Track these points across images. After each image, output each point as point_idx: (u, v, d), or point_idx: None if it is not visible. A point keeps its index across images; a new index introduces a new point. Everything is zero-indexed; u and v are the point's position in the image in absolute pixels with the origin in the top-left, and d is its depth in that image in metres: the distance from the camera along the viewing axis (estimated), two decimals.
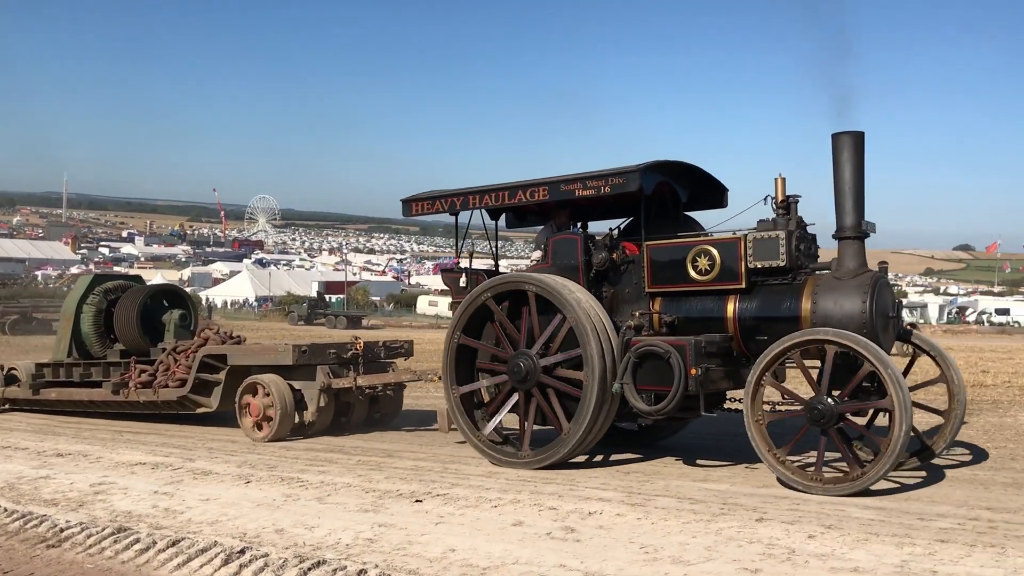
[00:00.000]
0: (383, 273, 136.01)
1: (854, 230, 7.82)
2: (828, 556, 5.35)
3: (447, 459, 9.03)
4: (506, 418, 8.90)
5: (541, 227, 9.99)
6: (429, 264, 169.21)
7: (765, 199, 8.18)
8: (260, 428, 10.45)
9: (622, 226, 9.54)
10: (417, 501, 7.08)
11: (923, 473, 7.90)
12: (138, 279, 15.38)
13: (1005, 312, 67.61)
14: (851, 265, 7.79)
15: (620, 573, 5.11)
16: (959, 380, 8.14)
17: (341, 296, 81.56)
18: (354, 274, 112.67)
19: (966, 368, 19.04)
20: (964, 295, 59.02)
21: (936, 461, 8.27)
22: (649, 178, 8.32)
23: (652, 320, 8.35)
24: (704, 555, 5.42)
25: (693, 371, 7.67)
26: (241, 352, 11.23)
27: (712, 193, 9.63)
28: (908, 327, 8.47)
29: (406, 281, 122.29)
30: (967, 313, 69.46)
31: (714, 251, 8.05)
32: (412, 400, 13.31)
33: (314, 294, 71.19)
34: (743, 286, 7.98)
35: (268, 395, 10.36)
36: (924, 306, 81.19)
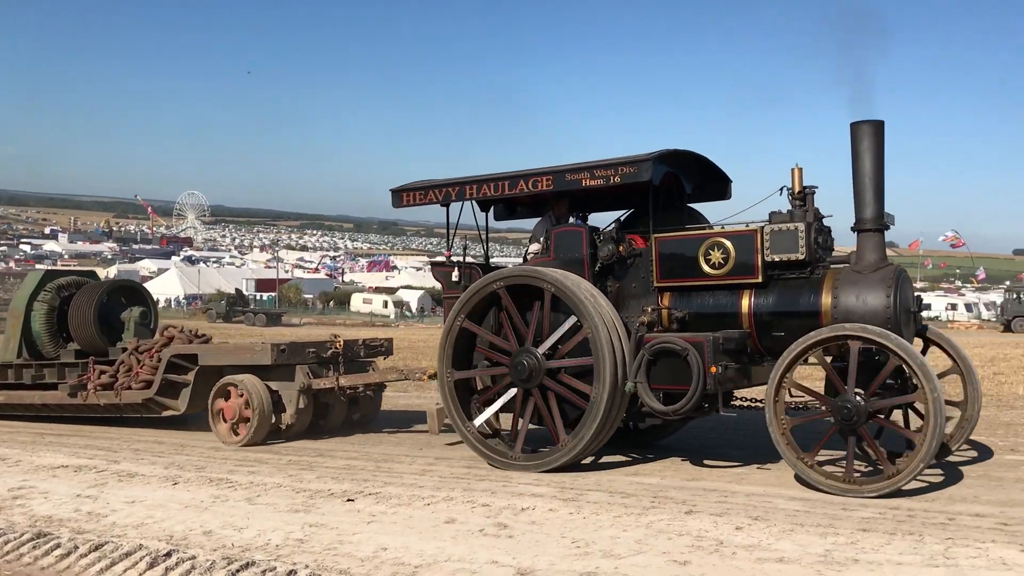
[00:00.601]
0: (316, 270, 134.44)
1: (875, 222, 7.57)
2: (755, 547, 5.46)
3: (380, 458, 8.97)
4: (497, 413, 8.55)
5: (537, 220, 9.64)
6: (364, 261, 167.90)
7: (781, 190, 7.93)
8: (236, 432, 9.97)
9: (622, 218, 9.19)
10: (349, 500, 7.02)
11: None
12: (92, 275, 14.38)
13: (927, 307, 69.77)
14: (872, 258, 7.55)
15: (551, 568, 5.15)
16: (974, 375, 8.03)
17: (273, 294, 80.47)
18: (286, 271, 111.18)
19: None
20: None
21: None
22: (659, 168, 8.01)
23: (661, 316, 8.03)
24: (635, 548, 5.49)
25: (713, 369, 7.35)
26: (214, 351, 10.72)
27: (716, 184, 9.34)
28: (924, 323, 8.27)
29: (340, 279, 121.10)
30: None
31: (728, 244, 7.76)
32: (388, 402, 12.95)
33: (245, 291, 70.24)
34: (759, 280, 7.69)
35: (243, 396, 9.88)
36: None
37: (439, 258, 10.32)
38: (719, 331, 7.63)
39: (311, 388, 10.06)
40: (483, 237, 9.89)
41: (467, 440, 8.43)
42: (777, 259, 7.62)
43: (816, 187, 7.85)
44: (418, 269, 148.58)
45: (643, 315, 7.97)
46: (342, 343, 10.55)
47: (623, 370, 7.71)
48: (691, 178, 8.86)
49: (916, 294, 7.74)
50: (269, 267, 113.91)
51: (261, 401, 9.81)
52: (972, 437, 8.66)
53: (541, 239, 9.01)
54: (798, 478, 7.08)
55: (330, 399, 10.46)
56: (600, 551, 5.45)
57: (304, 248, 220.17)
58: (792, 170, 7.91)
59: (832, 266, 7.83)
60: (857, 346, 6.82)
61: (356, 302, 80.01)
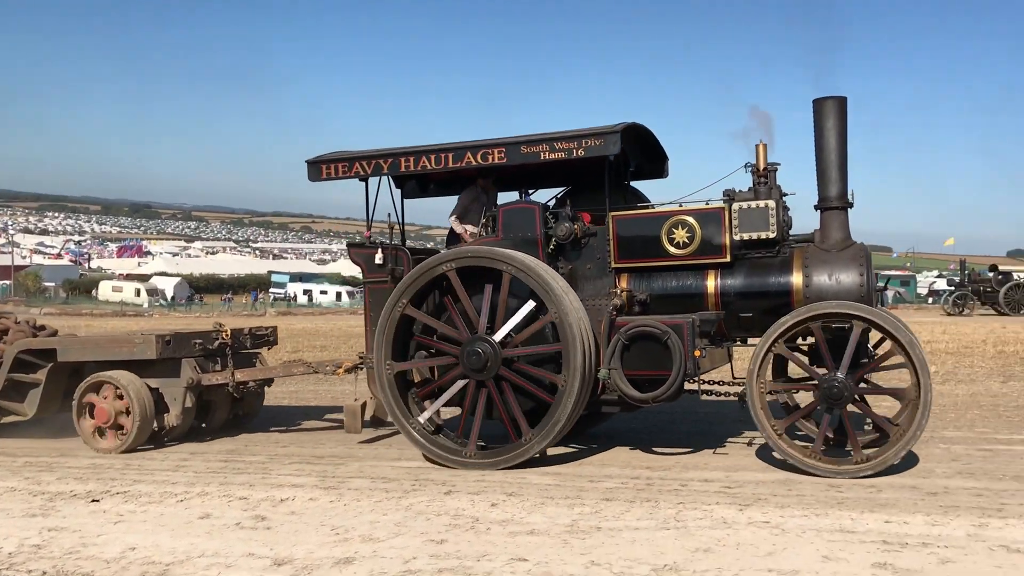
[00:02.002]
0: (59, 256, 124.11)
1: (840, 200, 7.47)
2: (508, 521, 5.72)
3: (129, 455, 8.51)
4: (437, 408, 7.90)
5: (457, 196, 8.99)
6: (113, 247, 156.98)
7: (746, 166, 7.65)
8: (103, 435, 8.76)
9: (558, 196, 8.79)
10: (94, 501, 6.63)
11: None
12: None
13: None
14: (838, 236, 7.44)
15: (310, 556, 5.14)
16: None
17: (7, 282, 73.60)
18: (23, 257, 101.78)
19: None
20: None
21: (609, 429, 9.07)
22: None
23: (622, 298, 7.62)
24: (394, 531, 5.59)
25: (697, 352, 7.07)
26: (77, 345, 9.32)
27: (654, 162, 9.09)
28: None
29: (86, 265, 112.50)
30: None
31: (693, 222, 7.46)
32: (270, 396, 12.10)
33: None
34: (727, 260, 7.45)
35: (122, 397, 8.63)
36: None
37: (357, 238, 9.20)
38: (691, 313, 7.36)
39: (200, 384, 9.04)
40: (400, 216, 9.03)
41: (412, 438, 7.70)
42: (746, 237, 7.39)
43: (779, 164, 7.66)
44: (174, 255, 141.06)
45: (614, 298, 7.55)
46: (229, 333, 9.54)
47: (593, 357, 7.39)
48: (634, 155, 8.61)
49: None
50: (3, 252, 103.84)
51: (143, 402, 8.64)
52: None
53: (484, 217, 8.39)
54: (759, 455, 7.46)
55: (215, 396, 9.45)
56: (359, 536, 5.50)
57: (45, 232, 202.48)
58: (756, 146, 7.66)
59: (795, 245, 7.71)
60: (862, 325, 6.75)
61: (105, 290, 74.70)
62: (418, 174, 8.66)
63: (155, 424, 8.82)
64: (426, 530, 5.59)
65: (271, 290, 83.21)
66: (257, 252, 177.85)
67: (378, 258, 8.39)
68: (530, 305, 7.44)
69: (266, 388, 10.14)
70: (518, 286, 7.46)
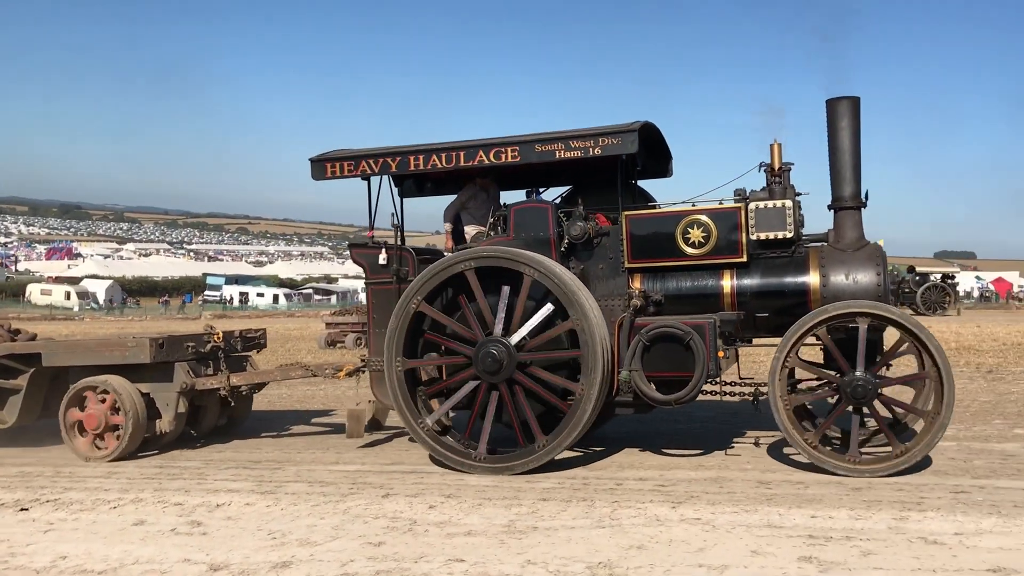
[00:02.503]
0: None
1: (854, 199, 7.49)
2: (446, 523, 5.77)
3: (60, 462, 8.33)
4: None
5: (454, 196, 8.91)
6: (41, 248, 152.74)
7: (760, 166, 7.65)
8: (90, 440, 8.43)
9: (562, 195, 8.71)
10: (23, 510, 6.50)
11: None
12: None
13: None
14: (852, 236, 7.46)
15: (246, 560, 5.13)
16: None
17: None
18: None
19: None
20: None
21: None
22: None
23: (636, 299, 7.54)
24: (331, 534, 5.60)
25: (721, 353, 7.06)
26: (65, 350, 8.86)
27: (660, 161, 9.02)
28: None
29: (13, 268, 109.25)
30: None
31: (709, 222, 7.43)
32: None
33: None
34: (743, 259, 7.44)
35: (108, 402, 8.35)
36: None
37: (359, 238, 8.89)
38: (707, 313, 7.34)
39: (193, 389, 8.71)
40: (399, 216, 8.65)
41: (420, 439, 7.55)
42: (763, 237, 7.39)
43: (792, 164, 7.65)
44: (106, 257, 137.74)
45: (633, 299, 7.46)
46: (221, 335, 9.21)
47: (609, 360, 7.28)
48: (640, 153, 8.41)
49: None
50: None
51: (136, 407, 8.35)
52: None
53: (494, 216, 8.26)
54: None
55: (206, 401, 9.19)
56: (296, 540, 5.50)
57: None
58: (771, 146, 7.67)
59: (810, 245, 7.68)
60: (867, 324, 6.77)
61: (33, 293, 72.61)
62: (423, 173, 8.45)
63: (146, 431, 8.57)
64: (364, 533, 5.61)
65: (206, 292, 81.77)
66: (192, 254, 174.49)
67: (382, 259, 8.23)
68: (548, 309, 7.32)
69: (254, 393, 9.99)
70: (534, 288, 7.35)
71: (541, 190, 8.87)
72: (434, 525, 5.74)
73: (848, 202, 7.53)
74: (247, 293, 76.52)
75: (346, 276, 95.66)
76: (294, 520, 5.98)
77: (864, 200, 7.55)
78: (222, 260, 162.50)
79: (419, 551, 5.21)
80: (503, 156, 7.78)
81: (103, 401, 8.43)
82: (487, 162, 7.86)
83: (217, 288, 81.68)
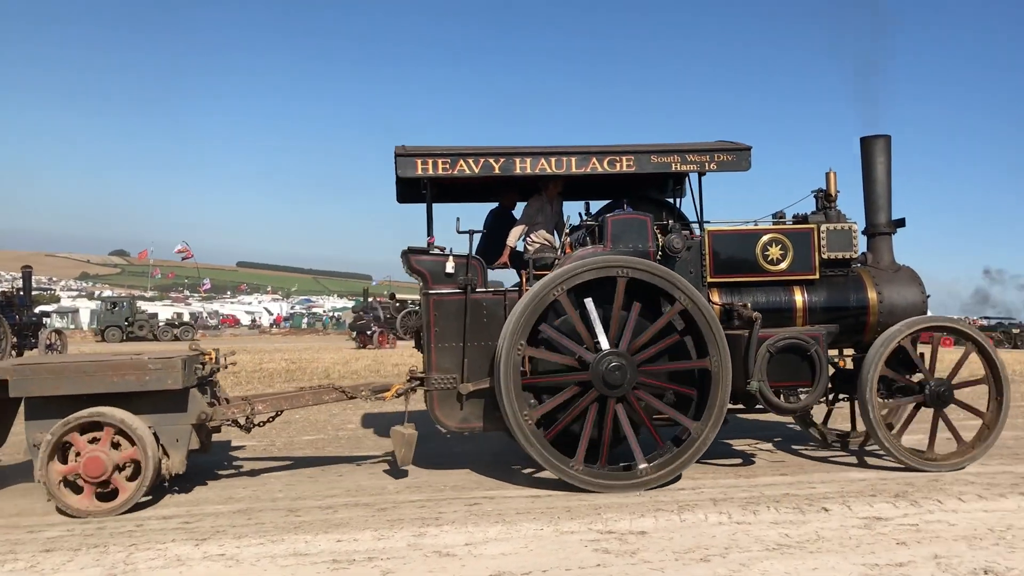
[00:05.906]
0: None
1: (888, 226, 8.36)
2: None
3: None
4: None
5: (525, 203, 8.70)
6: None
7: (816, 192, 8.26)
8: (81, 491, 6.50)
9: (607, 207, 8.60)
10: None
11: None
12: None
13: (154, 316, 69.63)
14: (888, 258, 8.35)
15: None
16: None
17: None
18: None
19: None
20: (120, 298, 59.24)
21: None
22: None
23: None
24: None
25: (842, 363, 7.82)
26: (48, 375, 6.63)
27: (680, 182, 8.81)
28: None
29: None
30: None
31: (787, 240, 7.86)
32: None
33: None
34: (816, 276, 7.91)
35: (114, 441, 6.58)
36: (76, 311, 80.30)
37: (418, 245, 7.82)
38: (779, 328, 7.67)
39: (211, 419, 7.20)
40: (428, 221, 8.03)
41: (522, 432, 7.02)
42: (832, 257, 7.91)
43: (840, 191, 8.27)
44: None
45: (752, 311, 7.55)
46: (215, 356, 7.73)
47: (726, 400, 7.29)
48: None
49: None
50: None
51: (151, 445, 6.63)
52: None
53: (580, 225, 8.24)
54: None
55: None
56: None
57: None
58: (827, 174, 8.27)
59: (857, 266, 8.25)
60: (941, 335, 7.92)
61: None
62: (529, 177, 8.00)
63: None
64: None
65: None
66: None
67: (449, 267, 7.64)
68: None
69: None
70: (637, 297, 7.25)
71: (625, 202, 8.45)
72: None
73: (883, 228, 8.44)
74: None
75: None
76: None
77: (902, 224, 8.45)
78: None
79: None
80: (618, 164, 7.81)
81: (95, 440, 6.62)
82: (600, 169, 7.81)
83: None
